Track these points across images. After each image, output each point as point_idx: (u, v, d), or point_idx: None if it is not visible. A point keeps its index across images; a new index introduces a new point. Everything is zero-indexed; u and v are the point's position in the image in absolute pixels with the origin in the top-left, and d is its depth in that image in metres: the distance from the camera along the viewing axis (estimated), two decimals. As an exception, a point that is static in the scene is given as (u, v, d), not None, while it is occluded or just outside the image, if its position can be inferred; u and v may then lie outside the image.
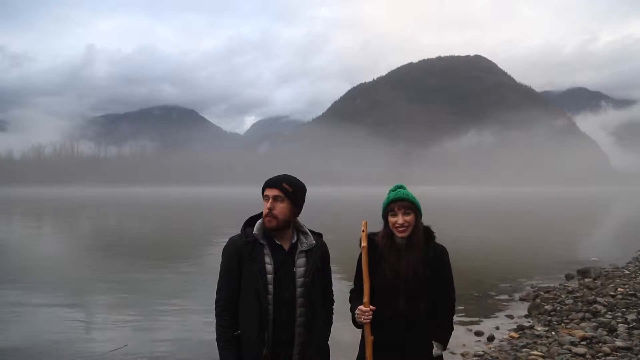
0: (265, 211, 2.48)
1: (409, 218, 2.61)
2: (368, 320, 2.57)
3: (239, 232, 2.55)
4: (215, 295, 2.55)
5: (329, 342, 2.65)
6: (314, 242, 2.56)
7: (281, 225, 2.48)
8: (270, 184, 2.51)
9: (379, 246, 2.67)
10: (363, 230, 2.64)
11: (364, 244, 2.61)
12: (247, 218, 2.59)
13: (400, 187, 2.74)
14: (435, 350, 2.62)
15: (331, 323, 2.72)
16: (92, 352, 6.55)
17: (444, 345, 2.66)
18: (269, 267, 2.44)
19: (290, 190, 2.48)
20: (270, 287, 2.43)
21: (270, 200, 2.47)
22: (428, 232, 2.69)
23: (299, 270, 2.49)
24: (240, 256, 2.46)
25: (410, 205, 2.62)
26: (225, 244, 2.55)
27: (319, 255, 2.56)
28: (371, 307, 2.57)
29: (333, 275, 2.73)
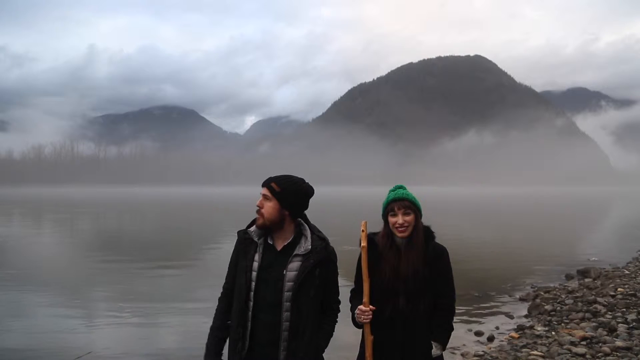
0: (256, 209, 2.55)
1: (409, 218, 2.62)
2: (368, 320, 2.58)
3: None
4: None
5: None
6: (310, 247, 2.48)
7: (268, 224, 2.48)
8: (263, 182, 2.56)
9: (379, 246, 2.67)
10: (363, 230, 2.64)
11: (363, 243, 2.61)
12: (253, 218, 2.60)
13: (400, 187, 2.74)
14: (435, 351, 2.61)
15: (330, 334, 2.60)
16: (93, 353, 6.55)
17: (443, 345, 2.64)
18: (255, 265, 2.45)
19: (277, 190, 2.47)
20: (253, 284, 2.43)
21: (261, 199, 2.53)
22: (428, 232, 2.70)
23: (290, 274, 2.43)
24: (239, 251, 2.54)
25: (410, 205, 2.63)
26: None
27: (316, 261, 2.46)
28: (371, 307, 2.57)
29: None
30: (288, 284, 2.42)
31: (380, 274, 2.62)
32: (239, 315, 2.46)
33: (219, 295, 2.62)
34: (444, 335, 2.65)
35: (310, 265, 2.45)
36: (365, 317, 2.57)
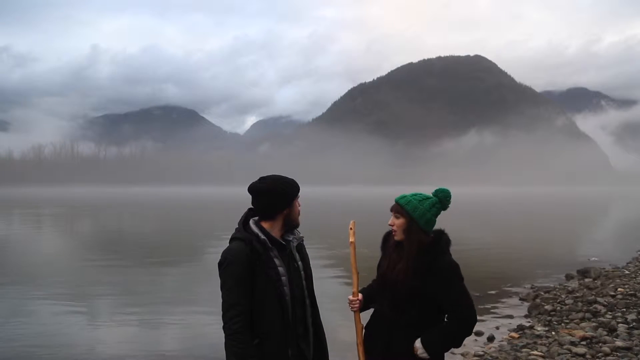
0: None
1: (398, 222, 2.62)
2: (355, 309, 2.72)
3: (235, 236, 2.49)
4: (225, 313, 2.37)
5: (327, 341, 2.71)
6: (302, 235, 2.65)
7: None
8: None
9: (388, 242, 2.76)
10: (351, 228, 2.77)
11: (351, 239, 2.75)
12: (240, 222, 2.54)
13: (445, 191, 2.69)
14: (420, 351, 2.52)
15: None
16: (95, 353, 6.56)
17: (428, 349, 2.51)
18: (281, 270, 2.45)
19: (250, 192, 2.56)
20: (287, 289, 2.43)
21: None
22: (435, 242, 2.60)
23: (300, 264, 2.56)
24: (253, 263, 2.39)
25: (398, 208, 2.63)
26: (226, 255, 2.41)
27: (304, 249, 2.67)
28: (359, 297, 2.72)
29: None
30: (302, 274, 2.56)
31: (379, 268, 2.74)
32: (283, 322, 2.41)
33: (234, 327, 2.34)
34: (434, 338, 2.52)
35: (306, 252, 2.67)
36: (353, 306, 2.72)
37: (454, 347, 2.64)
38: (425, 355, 2.52)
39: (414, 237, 2.58)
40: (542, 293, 9.54)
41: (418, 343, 2.53)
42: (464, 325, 2.56)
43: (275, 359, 2.40)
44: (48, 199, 74.29)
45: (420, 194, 2.69)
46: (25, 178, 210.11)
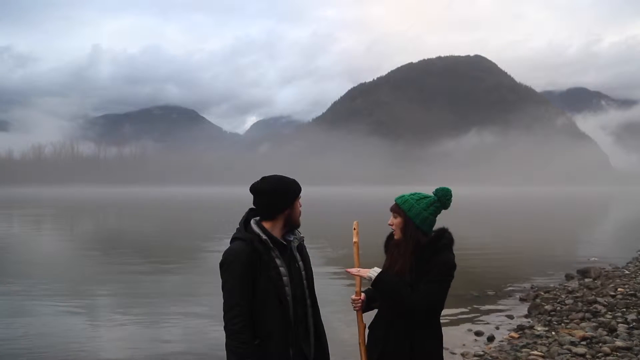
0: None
1: (396, 221, 2.67)
2: (358, 308, 2.72)
3: (237, 236, 2.51)
4: (226, 313, 2.40)
5: (328, 341, 2.73)
6: (303, 236, 2.65)
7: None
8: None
9: (391, 242, 2.80)
10: (354, 229, 2.80)
11: (355, 239, 2.78)
12: (241, 222, 2.56)
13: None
14: (372, 272, 2.60)
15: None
16: (95, 353, 6.56)
17: (378, 276, 2.57)
18: (283, 270, 2.45)
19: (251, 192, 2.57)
20: (288, 289, 2.44)
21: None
22: (434, 240, 2.60)
23: (301, 265, 2.58)
24: (255, 263, 2.40)
25: (396, 208, 2.68)
26: (227, 255, 2.43)
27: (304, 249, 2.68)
28: (362, 296, 2.72)
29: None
30: (302, 274, 2.57)
31: (383, 265, 2.75)
32: (284, 322, 2.42)
33: (234, 327, 2.36)
34: (390, 277, 2.56)
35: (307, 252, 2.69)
36: (355, 305, 2.72)
37: (391, 298, 2.56)
38: (372, 274, 2.58)
39: (411, 236, 2.61)
40: (542, 293, 9.54)
41: (375, 269, 2.61)
42: (417, 304, 2.49)
43: (276, 359, 2.40)
44: (48, 199, 74.29)
45: (419, 194, 2.71)
46: (25, 178, 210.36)
